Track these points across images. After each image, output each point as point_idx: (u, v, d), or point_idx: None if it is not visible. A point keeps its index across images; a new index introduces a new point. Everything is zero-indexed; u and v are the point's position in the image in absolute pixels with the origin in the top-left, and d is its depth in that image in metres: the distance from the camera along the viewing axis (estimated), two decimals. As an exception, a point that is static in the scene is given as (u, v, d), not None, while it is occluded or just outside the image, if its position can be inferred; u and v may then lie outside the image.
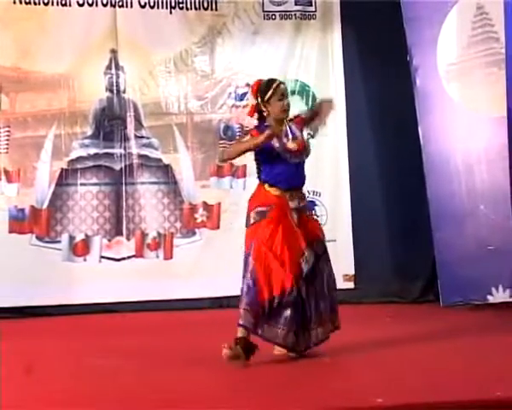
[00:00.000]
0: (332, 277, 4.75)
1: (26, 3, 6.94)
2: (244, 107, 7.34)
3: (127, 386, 4.03)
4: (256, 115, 4.73)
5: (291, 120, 4.76)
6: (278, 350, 4.66)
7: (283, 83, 4.77)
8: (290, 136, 4.66)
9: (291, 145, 4.64)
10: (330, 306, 4.70)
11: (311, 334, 4.61)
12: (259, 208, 4.60)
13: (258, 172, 4.73)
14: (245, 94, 7.33)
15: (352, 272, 7.39)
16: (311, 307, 4.59)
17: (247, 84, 7.33)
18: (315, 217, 4.94)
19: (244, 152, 4.67)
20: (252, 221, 4.61)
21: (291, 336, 4.53)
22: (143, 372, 4.36)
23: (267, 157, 4.64)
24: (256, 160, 4.73)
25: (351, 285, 7.36)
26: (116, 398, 3.79)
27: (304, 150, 4.71)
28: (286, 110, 4.68)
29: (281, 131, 4.65)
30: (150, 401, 3.71)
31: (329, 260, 4.74)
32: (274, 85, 4.67)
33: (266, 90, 4.66)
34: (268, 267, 4.47)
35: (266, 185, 4.66)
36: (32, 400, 3.80)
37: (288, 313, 4.49)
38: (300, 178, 4.73)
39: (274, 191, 4.62)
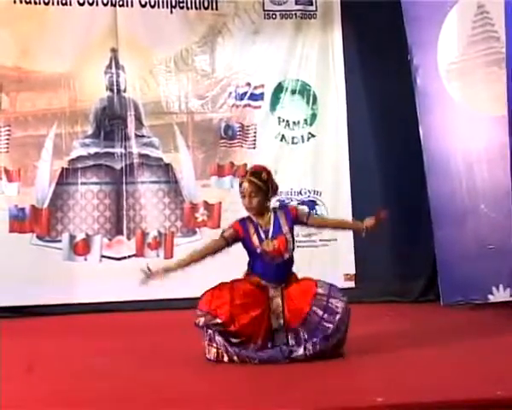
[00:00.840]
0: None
1: (27, 3, 6.97)
2: (244, 106, 7.37)
3: (127, 386, 4.03)
4: None
5: (282, 207, 4.79)
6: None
7: (252, 178, 4.58)
8: (270, 234, 4.58)
9: (267, 247, 4.56)
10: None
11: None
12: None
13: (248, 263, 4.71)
14: (245, 93, 7.38)
15: (352, 271, 7.40)
16: None
17: (248, 84, 7.40)
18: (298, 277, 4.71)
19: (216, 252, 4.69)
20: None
21: None
22: (144, 372, 4.36)
23: (251, 252, 4.62)
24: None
25: (351, 284, 7.36)
26: (116, 398, 3.78)
27: (284, 251, 4.60)
28: (248, 209, 4.61)
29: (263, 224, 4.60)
30: (150, 400, 3.71)
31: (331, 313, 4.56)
32: (241, 180, 4.67)
33: (239, 184, 4.71)
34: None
35: (250, 273, 4.65)
36: (32, 399, 3.79)
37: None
38: (285, 274, 4.63)
39: (255, 280, 4.59)
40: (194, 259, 4.79)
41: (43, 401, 3.77)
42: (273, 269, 4.61)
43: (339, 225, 5.42)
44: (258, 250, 4.57)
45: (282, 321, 4.54)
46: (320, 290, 4.59)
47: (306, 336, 4.48)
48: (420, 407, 3.53)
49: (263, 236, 4.60)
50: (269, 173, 4.65)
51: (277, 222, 4.64)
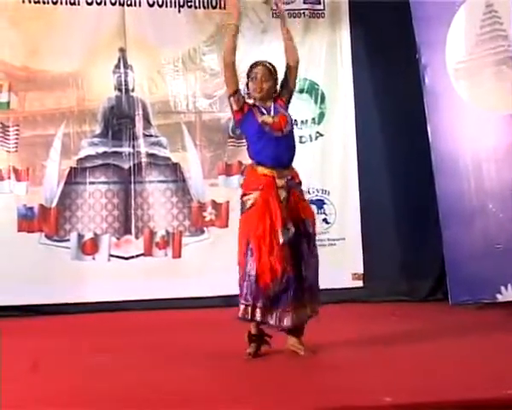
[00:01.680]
0: (314, 261, 4.78)
1: (35, 2, 6.96)
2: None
3: (134, 385, 4.05)
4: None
5: (275, 99, 4.83)
6: (292, 345, 4.70)
7: (266, 64, 4.85)
8: (271, 112, 4.74)
9: (269, 119, 4.70)
10: (309, 290, 4.73)
11: (285, 316, 4.63)
12: (250, 194, 4.69)
13: (247, 150, 4.86)
14: (253, 92, 7.37)
15: (360, 270, 7.39)
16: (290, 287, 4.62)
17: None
18: (305, 197, 4.93)
19: (232, 41, 4.85)
20: (244, 208, 4.75)
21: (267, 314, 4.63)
22: (151, 371, 4.38)
23: (252, 132, 4.76)
24: (245, 137, 4.90)
25: (359, 284, 7.38)
26: (122, 397, 3.80)
27: (285, 125, 4.73)
28: (258, 90, 4.77)
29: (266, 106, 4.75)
30: (156, 400, 3.73)
31: (314, 245, 4.79)
32: (252, 66, 4.86)
33: (248, 71, 4.87)
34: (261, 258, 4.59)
35: (254, 164, 4.76)
36: (38, 398, 3.81)
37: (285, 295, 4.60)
38: (286, 154, 4.76)
39: (261, 170, 4.70)
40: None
41: (49, 399, 3.78)
42: (274, 147, 4.69)
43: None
44: (259, 120, 4.68)
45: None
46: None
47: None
48: (428, 406, 3.54)
49: (264, 112, 4.75)
50: (276, 70, 4.89)
51: (276, 105, 4.80)
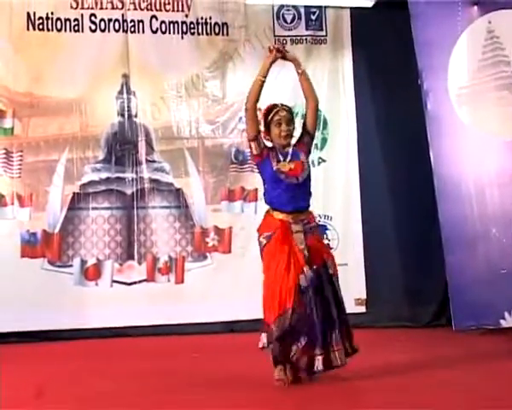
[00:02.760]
0: (341, 301, 4.74)
1: (40, 29, 7.03)
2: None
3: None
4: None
5: (294, 145, 4.78)
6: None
7: (286, 108, 4.79)
8: (288, 158, 4.70)
9: (285, 167, 4.67)
10: (343, 330, 4.69)
11: (317, 359, 4.53)
12: (265, 233, 4.66)
13: (263, 195, 4.82)
14: (256, 119, 7.39)
15: (363, 296, 7.37)
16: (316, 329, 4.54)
17: (258, 109, 7.36)
18: (325, 241, 4.86)
19: (257, 93, 4.72)
20: (261, 245, 4.67)
21: (302, 356, 4.53)
22: (154, 397, 4.35)
23: (268, 178, 4.73)
24: (262, 180, 4.83)
25: (362, 309, 7.35)
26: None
27: (301, 172, 4.69)
28: (284, 136, 4.71)
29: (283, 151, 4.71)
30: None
31: (337, 286, 4.73)
32: (273, 111, 4.76)
33: (266, 115, 4.78)
34: (272, 291, 4.53)
35: (270, 210, 4.73)
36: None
37: (297, 333, 4.51)
38: (302, 201, 4.72)
39: (277, 215, 4.67)
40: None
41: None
42: (289, 193, 4.66)
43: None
44: (275, 168, 4.65)
45: (307, 253, 4.60)
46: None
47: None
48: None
49: (281, 158, 4.71)
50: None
51: (295, 151, 4.75)
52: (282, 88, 7.36)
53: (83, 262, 7.07)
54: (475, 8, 6.93)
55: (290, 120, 4.76)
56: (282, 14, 7.50)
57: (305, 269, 4.54)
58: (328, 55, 7.57)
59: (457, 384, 4.57)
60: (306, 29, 7.54)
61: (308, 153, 4.83)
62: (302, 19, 7.54)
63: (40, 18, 7.02)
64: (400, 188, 7.45)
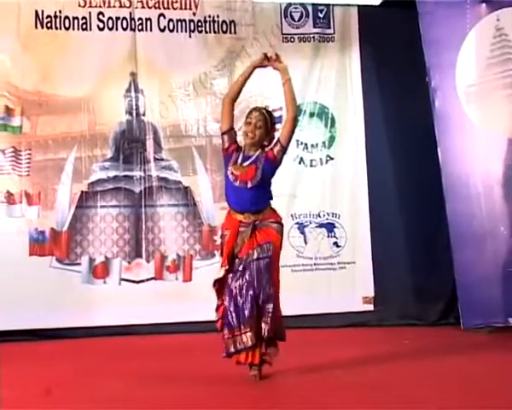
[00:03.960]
0: (267, 286, 4.74)
1: (48, 28, 7.04)
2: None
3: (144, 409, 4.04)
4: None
5: (264, 151, 4.84)
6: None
7: (262, 111, 4.89)
8: (248, 162, 4.80)
9: (239, 170, 4.80)
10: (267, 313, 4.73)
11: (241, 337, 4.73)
12: (226, 231, 4.85)
13: None
14: (263, 116, 7.39)
15: (371, 294, 7.37)
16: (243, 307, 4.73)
17: (266, 107, 7.39)
18: (274, 226, 4.85)
19: (242, 84, 4.93)
20: (223, 239, 4.89)
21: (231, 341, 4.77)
22: (162, 395, 4.37)
23: (225, 176, 4.91)
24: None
25: (370, 308, 7.35)
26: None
27: (251, 179, 4.77)
28: (249, 137, 4.81)
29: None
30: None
31: (268, 267, 4.75)
32: (249, 112, 4.91)
33: (246, 114, 4.92)
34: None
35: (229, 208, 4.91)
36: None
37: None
38: (251, 205, 4.80)
39: (233, 214, 4.84)
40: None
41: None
42: (238, 196, 4.81)
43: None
44: (228, 169, 4.83)
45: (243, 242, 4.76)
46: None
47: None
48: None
49: (240, 160, 4.83)
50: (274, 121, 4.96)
51: (259, 156, 4.83)
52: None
53: (91, 260, 7.08)
54: (483, 5, 6.92)
55: (262, 123, 4.82)
56: (290, 12, 7.50)
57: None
58: (335, 53, 7.56)
59: (465, 382, 4.59)
60: (314, 27, 7.54)
61: (275, 162, 4.83)
62: (310, 17, 7.53)
63: (48, 16, 7.03)
64: (408, 186, 7.43)
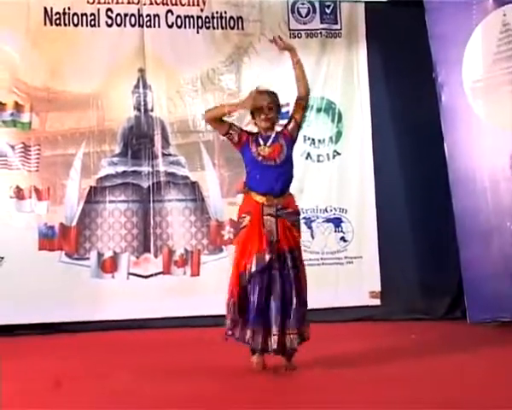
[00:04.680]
0: (301, 290, 4.79)
1: (57, 25, 7.09)
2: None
3: (153, 403, 4.07)
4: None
5: (279, 131, 4.92)
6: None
7: (267, 92, 4.91)
8: (269, 142, 4.84)
9: (265, 150, 4.82)
10: (298, 318, 4.76)
11: (272, 339, 4.72)
12: (240, 218, 4.86)
13: (245, 180, 4.98)
14: (271, 112, 7.42)
15: (378, 288, 7.39)
16: (272, 311, 4.73)
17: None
18: (295, 222, 4.89)
19: (221, 115, 4.91)
20: (241, 225, 4.86)
21: (256, 337, 4.74)
22: (172, 389, 4.40)
23: (248, 161, 4.90)
24: (245, 166, 4.98)
25: (377, 302, 7.38)
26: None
27: (278, 155, 4.81)
28: (264, 120, 4.85)
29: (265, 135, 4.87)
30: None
31: (299, 275, 4.79)
32: (257, 94, 4.90)
33: (254, 100, 4.88)
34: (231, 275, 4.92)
35: (249, 190, 4.88)
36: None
37: (249, 313, 4.77)
38: (277, 184, 4.81)
39: (254, 196, 4.83)
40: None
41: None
42: (266, 177, 4.80)
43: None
44: (253, 151, 4.83)
45: (274, 238, 4.75)
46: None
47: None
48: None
49: (261, 142, 4.86)
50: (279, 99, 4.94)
51: (277, 136, 4.89)
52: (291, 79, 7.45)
53: (99, 255, 7.13)
54: (490, 1, 6.90)
55: (272, 105, 4.85)
56: (297, 8, 7.53)
57: (256, 255, 4.71)
58: (342, 48, 7.59)
59: (471, 374, 4.62)
60: (321, 23, 7.56)
61: (291, 139, 4.90)
62: (317, 12, 7.56)
63: (57, 13, 7.08)
64: (415, 181, 7.46)
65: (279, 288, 4.73)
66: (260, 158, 4.82)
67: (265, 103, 4.84)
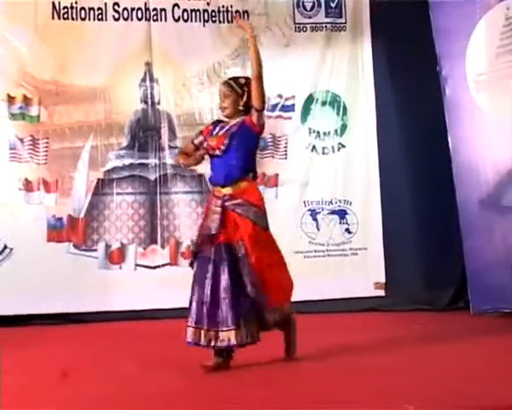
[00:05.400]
0: (246, 284, 4.58)
1: (65, 19, 7.17)
2: (276, 117, 7.48)
3: (159, 393, 4.11)
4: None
5: (241, 121, 4.69)
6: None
7: (226, 82, 4.79)
8: (222, 131, 4.71)
9: (213, 140, 4.70)
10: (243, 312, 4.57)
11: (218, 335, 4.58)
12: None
13: None
14: (277, 105, 7.49)
15: (382, 279, 7.45)
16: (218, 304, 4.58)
17: (279, 95, 7.49)
18: (251, 215, 4.64)
19: (191, 165, 4.99)
20: None
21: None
22: (177, 379, 4.43)
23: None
24: None
25: (381, 293, 7.44)
26: (148, 405, 3.88)
27: (220, 144, 4.65)
28: (221, 109, 4.77)
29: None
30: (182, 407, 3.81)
31: (244, 268, 4.58)
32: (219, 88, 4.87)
33: None
34: None
35: None
36: (65, 404, 3.90)
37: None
38: (220, 173, 4.67)
39: (211, 188, 4.84)
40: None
41: (75, 406, 3.87)
42: (214, 167, 4.74)
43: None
44: (205, 144, 4.74)
45: (215, 230, 4.61)
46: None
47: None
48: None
49: (216, 131, 4.76)
50: (248, 82, 4.71)
51: (234, 125, 4.71)
52: (304, 71, 7.57)
53: (107, 246, 7.21)
54: (493, -6, 6.97)
55: (227, 92, 4.71)
56: (303, 2, 7.59)
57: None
58: (347, 41, 7.64)
59: (474, 365, 4.64)
60: (326, 16, 7.61)
61: (255, 128, 4.67)
62: (322, 6, 7.62)
63: (65, 7, 7.15)
64: (419, 173, 7.49)
65: (220, 282, 4.58)
66: (209, 149, 4.73)
67: (221, 93, 4.76)
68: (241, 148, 4.66)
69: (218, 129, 4.76)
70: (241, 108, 4.70)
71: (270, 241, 4.75)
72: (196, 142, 4.84)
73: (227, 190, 4.65)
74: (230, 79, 4.87)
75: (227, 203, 4.64)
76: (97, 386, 4.31)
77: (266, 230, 4.73)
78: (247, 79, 4.79)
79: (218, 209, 4.63)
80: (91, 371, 4.72)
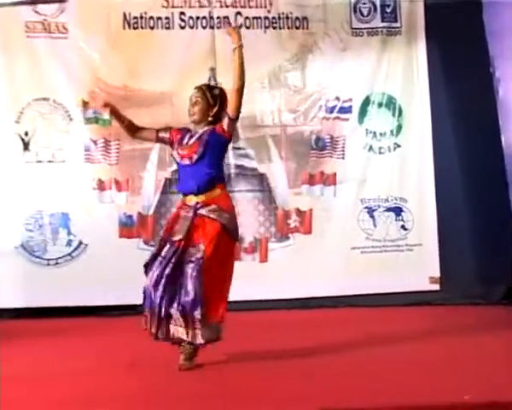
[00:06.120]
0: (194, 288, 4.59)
1: (135, 28, 7.48)
2: (334, 119, 7.70)
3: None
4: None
5: (212, 128, 4.72)
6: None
7: (201, 87, 4.82)
8: (192, 140, 4.72)
9: (184, 149, 4.71)
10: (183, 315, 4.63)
11: (170, 329, 4.69)
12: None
13: None
14: (335, 107, 7.67)
15: (437, 274, 7.56)
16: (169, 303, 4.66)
17: (337, 98, 7.67)
18: (222, 219, 4.65)
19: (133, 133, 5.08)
20: None
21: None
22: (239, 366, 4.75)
23: (176, 164, 4.86)
24: None
25: (436, 287, 7.56)
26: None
27: (193, 153, 4.65)
28: (190, 115, 4.77)
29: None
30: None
31: (195, 270, 4.58)
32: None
33: None
34: None
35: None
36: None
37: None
38: (193, 182, 4.65)
39: (182, 197, 4.78)
40: (128, 126, 5.06)
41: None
42: (184, 175, 4.71)
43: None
44: (175, 153, 4.73)
45: (182, 236, 4.59)
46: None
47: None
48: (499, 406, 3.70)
49: (185, 141, 4.74)
50: (223, 94, 4.74)
51: (205, 132, 4.71)
52: (361, 75, 7.74)
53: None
54: (547, -5, 6.99)
55: (199, 98, 4.73)
56: (359, 8, 7.75)
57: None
58: (402, 45, 7.75)
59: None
60: (382, 21, 7.75)
61: (225, 136, 4.70)
62: (378, 11, 7.76)
63: (135, 17, 7.46)
64: (473, 172, 7.57)
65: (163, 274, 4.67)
66: (179, 158, 4.70)
67: (192, 97, 4.75)
68: (213, 156, 4.68)
69: (187, 138, 4.72)
70: (210, 118, 4.72)
71: (229, 253, 4.77)
72: (160, 135, 4.89)
73: (200, 198, 4.64)
74: (205, 85, 4.92)
75: (200, 211, 4.63)
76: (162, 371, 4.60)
77: (233, 240, 4.78)
78: (221, 90, 4.83)
79: (190, 216, 4.62)
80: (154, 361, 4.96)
